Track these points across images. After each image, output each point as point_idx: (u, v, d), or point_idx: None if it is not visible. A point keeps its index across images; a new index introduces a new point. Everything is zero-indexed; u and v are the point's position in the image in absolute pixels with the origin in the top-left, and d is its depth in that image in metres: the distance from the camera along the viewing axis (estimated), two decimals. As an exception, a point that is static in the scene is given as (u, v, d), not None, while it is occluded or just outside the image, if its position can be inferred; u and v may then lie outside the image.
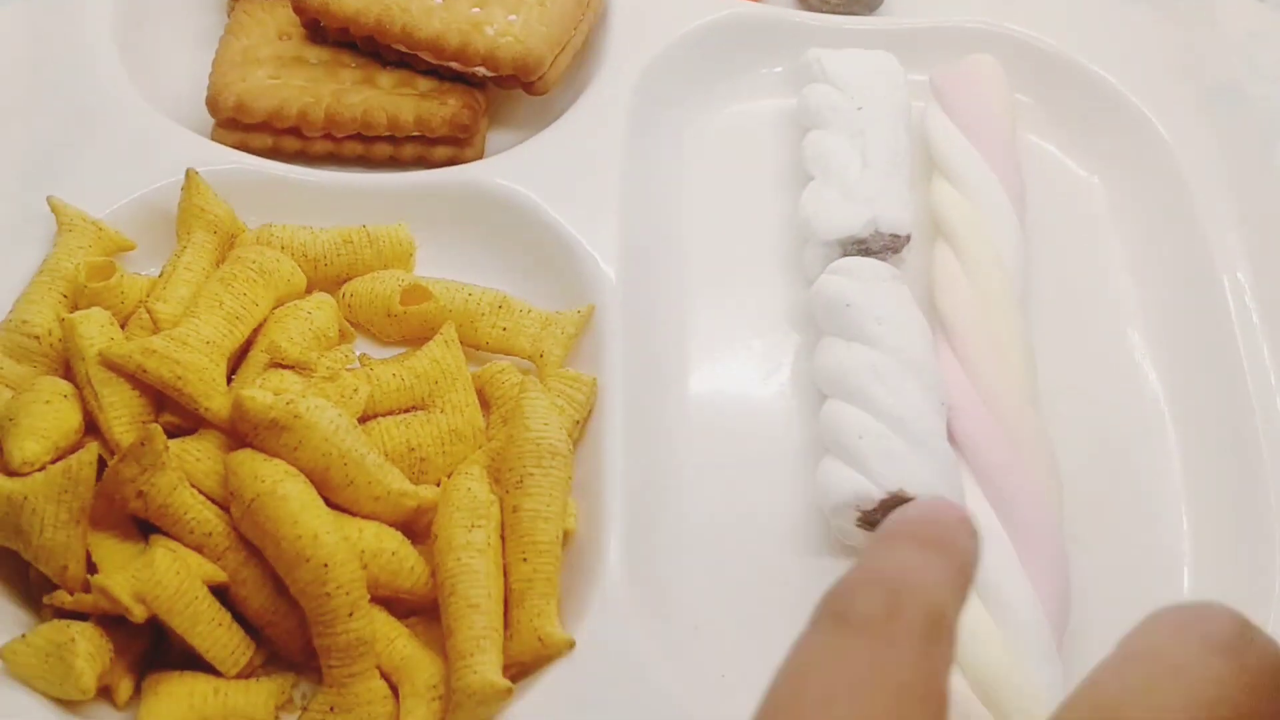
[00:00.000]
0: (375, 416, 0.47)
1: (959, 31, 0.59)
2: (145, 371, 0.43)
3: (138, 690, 0.42)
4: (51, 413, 0.43)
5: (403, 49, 0.54)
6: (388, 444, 0.46)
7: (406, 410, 0.47)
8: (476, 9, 0.55)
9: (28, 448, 0.42)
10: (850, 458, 0.46)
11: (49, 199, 0.49)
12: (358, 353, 0.50)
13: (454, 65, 0.54)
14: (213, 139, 0.54)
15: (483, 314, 0.50)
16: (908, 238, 0.52)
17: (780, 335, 0.52)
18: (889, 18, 0.61)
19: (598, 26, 0.58)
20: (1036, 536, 0.45)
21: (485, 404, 0.48)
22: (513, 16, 0.54)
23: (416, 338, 0.50)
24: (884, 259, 0.51)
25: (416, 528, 0.44)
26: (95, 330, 0.44)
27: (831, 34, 0.58)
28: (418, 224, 0.52)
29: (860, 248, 0.51)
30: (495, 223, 0.52)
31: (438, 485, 0.45)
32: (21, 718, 0.40)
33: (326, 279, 0.51)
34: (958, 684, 0.42)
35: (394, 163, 0.55)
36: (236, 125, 0.54)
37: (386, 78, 0.55)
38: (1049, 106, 0.58)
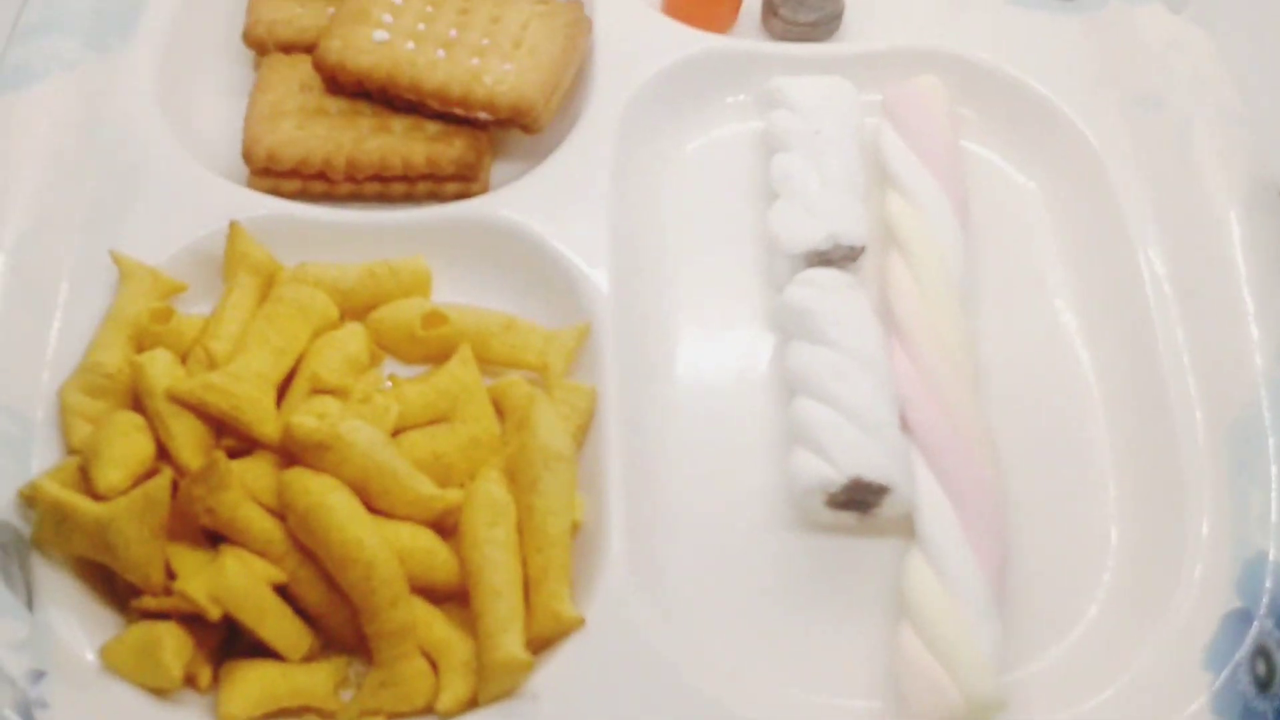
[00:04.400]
0: (405, 430, 0.52)
1: (907, 53, 0.64)
2: (207, 405, 0.50)
3: (216, 677, 0.48)
4: (128, 443, 0.49)
5: (411, 98, 0.61)
6: (416, 454, 0.51)
7: (431, 423, 0.53)
8: (476, 60, 0.61)
9: (111, 476, 0.48)
10: (815, 447, 0.52)
11: (111, 252, 0.55)
12: (387, 373, 0.56)
13: (458, 111, 0.60)
14: (248, 186, 0.60)
15: (493, 334, 0.56)
16: (863, 248, 0.58)
17: (755, 338, 0.58)
18: (844, 43, 0.66)
19: (584, 67, 0.63)
20: (979, 510, 0.51)
21: (500, 413, 0.54)
22: (508, 65, 0.61)
23: (437, 356, 0.56)
24: (843, 268, 0.58)
25: (445, 525, 0.50)
26: (161, 370, 0.50)
27: (792, 62, 0.64)
28: (433, 253, 0.58)
29: (821, 259, 0.58)
30: (501, 250, 0.58)
31: (461, 488, 0.51)
32: (122, 705, 0.47)
33: (356, 308, 0.56)
34: (910, 641, 0.49)
35: (409, 199, 0.61)
36: (269, 173, 0.60)
37: (399, 123, 0.61)
38: (989, 118, 0.64)
